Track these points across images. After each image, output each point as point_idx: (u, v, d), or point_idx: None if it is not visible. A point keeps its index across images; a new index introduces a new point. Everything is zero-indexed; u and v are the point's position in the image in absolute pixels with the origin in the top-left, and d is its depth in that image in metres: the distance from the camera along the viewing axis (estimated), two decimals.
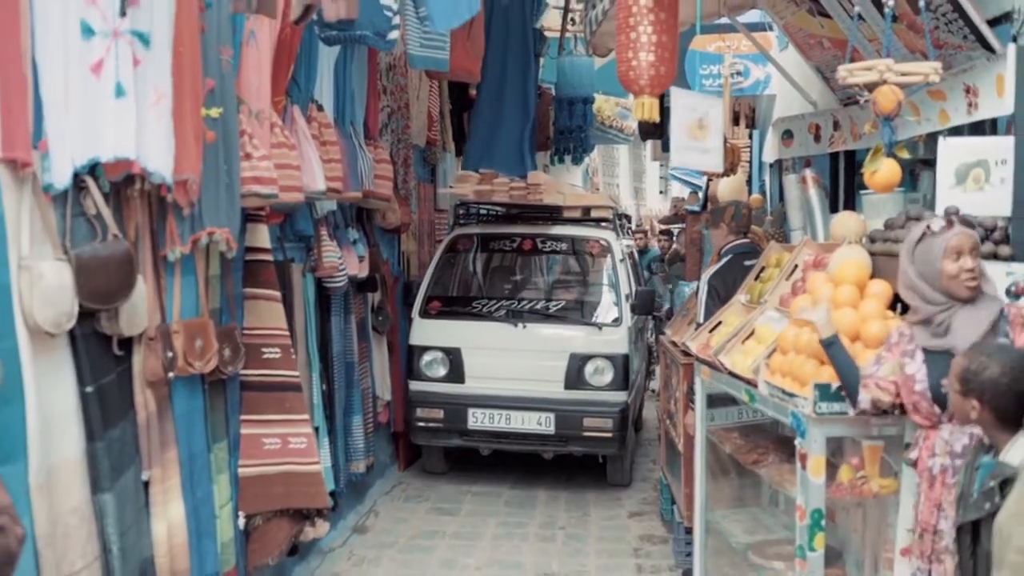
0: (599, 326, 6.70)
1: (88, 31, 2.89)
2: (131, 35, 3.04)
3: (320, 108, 5.06)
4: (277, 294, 4.41)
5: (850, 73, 3.39)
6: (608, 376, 6.53)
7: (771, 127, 5.91)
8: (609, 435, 6.46)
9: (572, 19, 7.69)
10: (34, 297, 2.64)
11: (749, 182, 7.11)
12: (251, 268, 4.30)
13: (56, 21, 2.77)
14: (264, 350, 4.26)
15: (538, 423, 6.49)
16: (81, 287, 2.83)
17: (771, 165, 6.41)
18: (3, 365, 2.44)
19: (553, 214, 7.42)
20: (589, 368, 6.55)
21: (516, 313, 6.84)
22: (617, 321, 6.76)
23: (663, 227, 11.37)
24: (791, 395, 3.36)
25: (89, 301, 2.88)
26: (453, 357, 6.69)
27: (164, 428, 3.47)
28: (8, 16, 2.54)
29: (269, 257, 4.40)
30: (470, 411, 6.56)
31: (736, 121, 7.30)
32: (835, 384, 3.18)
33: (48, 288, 2.68)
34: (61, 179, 2.78)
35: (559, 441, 6.56)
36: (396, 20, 4.47)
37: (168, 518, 3.45)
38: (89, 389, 2.97)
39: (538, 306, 6.95)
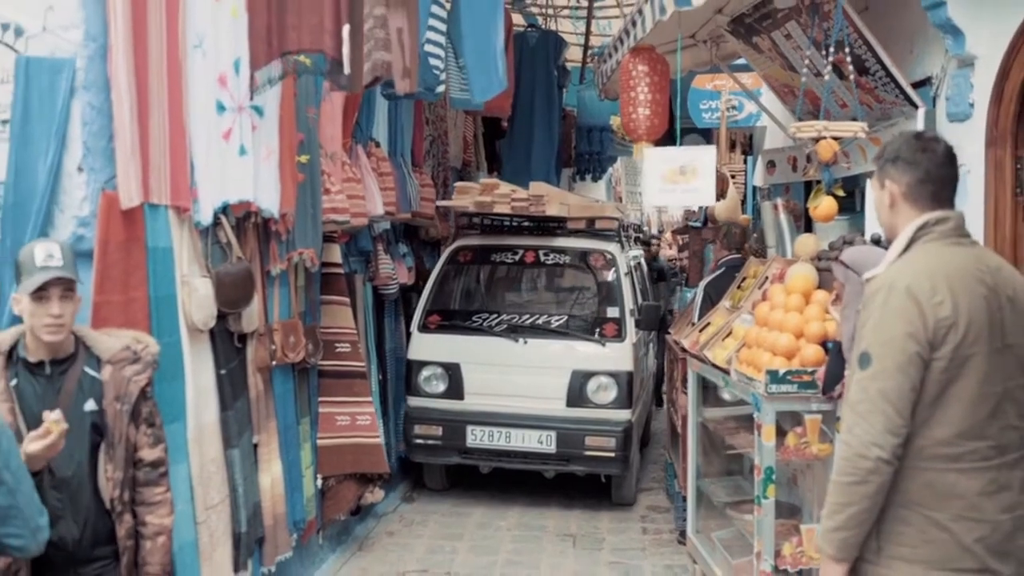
0: (602, 342, 6.51)
1: (221, 108, 3.93)
2: (251, 109, 4.08)
3: (377, 144, 6.10)
4: (347, 300, 5.44)
5: (799, 129, 4.35)
6: (611, 393, 6.37)
7: (760, 156, 6.85)
8: (612, 454, 6.29)
9: (592, 55, 8.68)
10: (192, 304, 3.67)
11: (744, 202, 8.04)
12: (326, 279, 5.33)
13: (201, 103, 3.79)
14: (337, 345, 5.30)
15: (539, 441, 6.35)
16: (218, 296, 3.86)
17: (759, 189, 7.35)
18: (166, 351, 3.47)
19: (557, 225, 7.15)
20: (592, 385, 6.39)
21: (517, 328, 6.65)
22: (621, 337, 6.55)
23: (677, 235, 12.33)
24: (751, 379, 4.33)
25: (223, 307, 3.91)
26: (452, 373, 6.54)
27: (268, 404, 4.52)
28: (176, 106, 3.58)
29: (340, 270, 5.43)
30: (469, 428, 6.42)
31: (732, 148, 8.25)
32: (783, 370, 4.15)
33: (200, 297, 3.71)
34: (206, 217, 3.82)
35: (560, 460, 6.40)
36: (443, 76, 5.48)
37: (271, 473, 4.49)
38: (223, 372, 4.01)
39: (540, 321, 6.72)
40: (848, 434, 2.38)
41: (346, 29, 3.71)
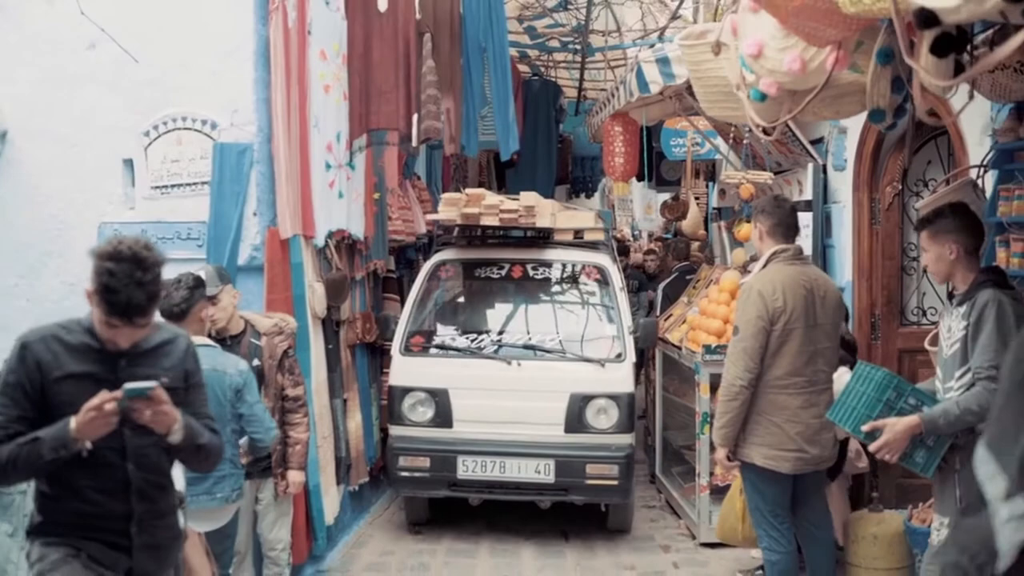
0: (601, 362, 6.04)
1: (327, 166, 5.73)
2: (347, 166, 5.89)
3: (419, 178, 7.93)
4: (397, 296, 7.25)
5: (727, 176, 6.18)
6: (613, 417, 5.91)
7: (717, 184, 8.68)
8: (615, 483, 5.84)
9: (584, 95, 10.53)
10: (314, 300, 5.48)
11: (707, 220, 9.83)
12: (385, 282, 7.14)
13: (316, 164, 5.60)
14: None
15: (536, 471, 5.86)
16: (327, 295, 5.67)
17: (714, 210, 9.18)
18: (300, 331, 5.27)
19: (542, 237, 6.69)
20: (591, 409, 5.92)
21: (508, 349, 6.21)
22: (620, 356, 6.10)
23: (658, 242, 14.18)
24: (694, 352, 6.16)
25: (330, 302, 5.72)
26: (439, 399, 6.01)
27: (352, 372, 6.33)
28: (305, 168, 5.38)
29: (393, 275, 7.25)
30: (460, 459, 5.90)
31: (697, 176, 10.07)
32: (714, 345, 5.97)
33: (318, 296, 5.52)
34: (320, 241, 5.62)
35: (559, 490, 5.92)
36: None
37: (355, 420, 6.31)
38: (329, 346, 5.82)
39: (532, 341, 6.25)
40: (726, 372, 4.23)
41: (415, 117, 5.55)
